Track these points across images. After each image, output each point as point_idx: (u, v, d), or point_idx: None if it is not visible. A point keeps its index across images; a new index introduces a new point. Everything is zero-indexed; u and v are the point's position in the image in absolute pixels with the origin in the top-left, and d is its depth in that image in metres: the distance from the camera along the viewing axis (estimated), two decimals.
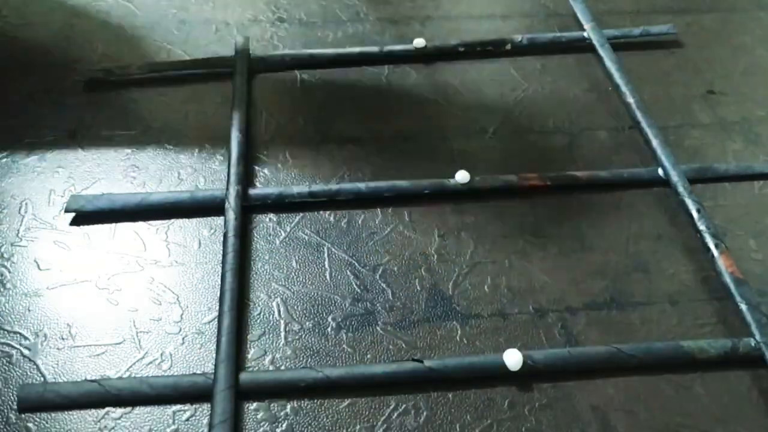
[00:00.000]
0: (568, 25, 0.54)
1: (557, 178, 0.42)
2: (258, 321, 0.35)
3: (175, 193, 0.40)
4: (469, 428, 0.32)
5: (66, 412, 0.31)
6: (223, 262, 0.36)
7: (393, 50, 0.50)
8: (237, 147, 0.42)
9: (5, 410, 0.31)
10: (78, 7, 0.51)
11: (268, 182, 0.42)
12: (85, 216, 0.39)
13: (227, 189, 0.39)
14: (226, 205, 0.39)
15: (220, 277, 0.37)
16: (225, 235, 0.37)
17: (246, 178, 0.41)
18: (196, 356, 0.34)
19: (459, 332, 0.36)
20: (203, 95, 0.46)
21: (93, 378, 0.33)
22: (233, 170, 0.40)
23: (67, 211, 0.38)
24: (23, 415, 0.31)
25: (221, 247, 0.38)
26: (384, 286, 0.37)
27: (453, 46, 0.51)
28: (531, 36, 0.52)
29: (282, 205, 0.40)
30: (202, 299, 0.36)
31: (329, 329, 0.35)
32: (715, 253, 0.39)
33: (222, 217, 0.39)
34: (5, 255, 0.37)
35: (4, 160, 0.41)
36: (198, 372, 0.33)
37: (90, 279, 0.36)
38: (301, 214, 0.40)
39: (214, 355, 0.34)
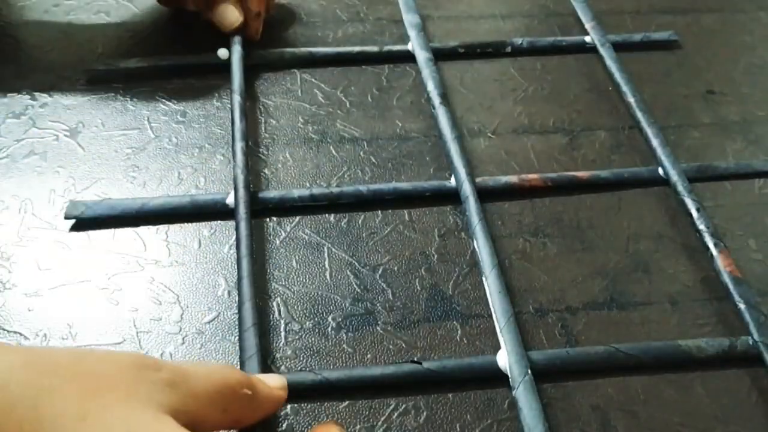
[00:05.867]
0: (569, 24, 0.54)
1: (557, 178, 0.42)
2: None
3: (176, 198, 0.40)
4: (469, 428, 0.32)
5: None
6: (239, 269, 0.36)
7: (393, 50, 0.50)
8: (241, 150, 0.41)
9: None
10: (78, 7, 0.51)
11: (268, 182, 0.42)
12: (85, 222, 0.38)
13: (236, 194, 0.39)
14: (238, 211, 0.38)
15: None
16: (237, 243, 0.37)
17: (251, 182, 0.41)
18: (196, 356, 0.34)
19: (459, 332, 0.36)
20: (204, 94, 0.46)
21: None
22: (240, 174, 0.40)
23: (66, 217, 0.38)
24: None
25: (222, 248, 0.38)
26: (384, 286, 0.37)
27: (453, 47, 0.51)
28: (531, 39, 0.52)
29: (283, 208, 0.40)
30: (202, 299, 0.36)
31: (329, 329, 0.35)
32: (714, 252, 0.39)
33: (221, 221, 0.39)
34: (5, 255, 0.37)
35: (4, 160, 0.41)
36: None
37: (90, 279, 0.36)
38: (301, 215, 0.40)
39: (214, 355, 0.34)
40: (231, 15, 0.47)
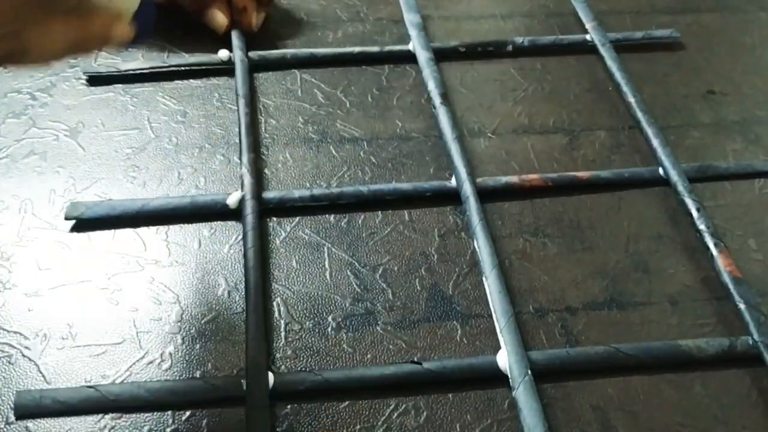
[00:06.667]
0: (569, 24, 0.54)
1: (558, 178, 0.42)
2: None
3: (176, 199, 0.40)
4: (469, 428, 0.32)
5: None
6: (246, 271, 0.36)
7: (394, 50, 0.50)
8: (247, 149, 0.42)
9: (5, 410, 0.31)
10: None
11: (268, 182, 0.42)
12: (85, 222, 0.38)
13: (243, 194, 0.39)
14: (246, 210, 0.39)
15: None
16: (245, 245, 0.37)
17: (259, 182, 0.41)
18: (196, 356, 0.34)
19: (459, 332, 0.36)
20: (204, 94, 0.46)
21: (92, 380, 0.33)
22: (247, 173, 0.40)
23: (66, 218, 0.38)
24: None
25: (222, 248, 0.38)
26: (384, 286, 0.37)
27: (454, 47, 0.51)
28: (532, 38, 0.51)
29: (283, 208, 0.40)
30: (202, 299, 0.36)
31: (329, 329, 0.35)
32: (715, 252, 0.39)
33: (221, 221, 0.39)
34: (5, 255, 0.37)
35: (4, 160, 0.42)
36: (197, 375, 0.33)
37: (90, 279, 0.36)
38: (301, 215, 0.40)
39: (213, 355, 0.34)
40: (218, 19, 0.48)
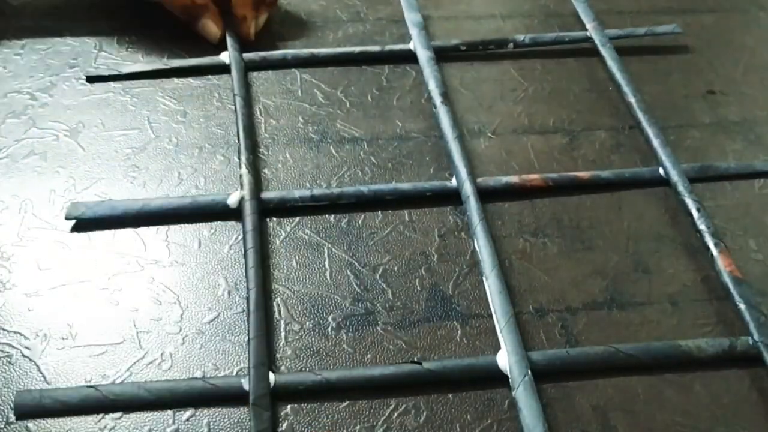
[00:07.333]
0: (569, 24, 0.54)
1: (558, 179, 0.42)
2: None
3: (176, 199, 0.40)
4: (469, 428, 0.32)
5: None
6: (246, 271, 0.37)
7: (394, 49, 0.50)
8: (246, 149, 0.42)
9: (5, 410, 0.31)
10: (78, 8, 0.51)
11: (268, 183, 0.42)
12: (85, 222, 0.38)
13: (243, 194, 0.39)
14: (246, 210, 0.39)
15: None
16: (245, 245, 0.37)
17: (258, 182, 0.41)
18: (196, 356, 0.34)
19: (459, 332, 0.36)
20: (204, 94, 0.46)
21: (92, 380, 0.33)
22: (246, 174, 0.40)
23: (67, 218, 0.38)
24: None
25: (222, 248, 0.38)
26: (384, 286, 0.37)
27: (454, 45, 0.51)
28: (534, 36, 0.51)
29: (283, 208, 0.40)
30: (202, 299, 0.36)
31: (329, 329, 0.35)
32: (715, 252, 0.39)
33: (221, 221, 0.39)
34: (5, 255, 0.37)
35: (4, 160, 0.42)
36: (198, 375, 0.33)
37: (90, 279, 0.36)
38: (301, 215, 0.40)
39: (214, 355, 0.34)
40: (210, 30, 0.49)
